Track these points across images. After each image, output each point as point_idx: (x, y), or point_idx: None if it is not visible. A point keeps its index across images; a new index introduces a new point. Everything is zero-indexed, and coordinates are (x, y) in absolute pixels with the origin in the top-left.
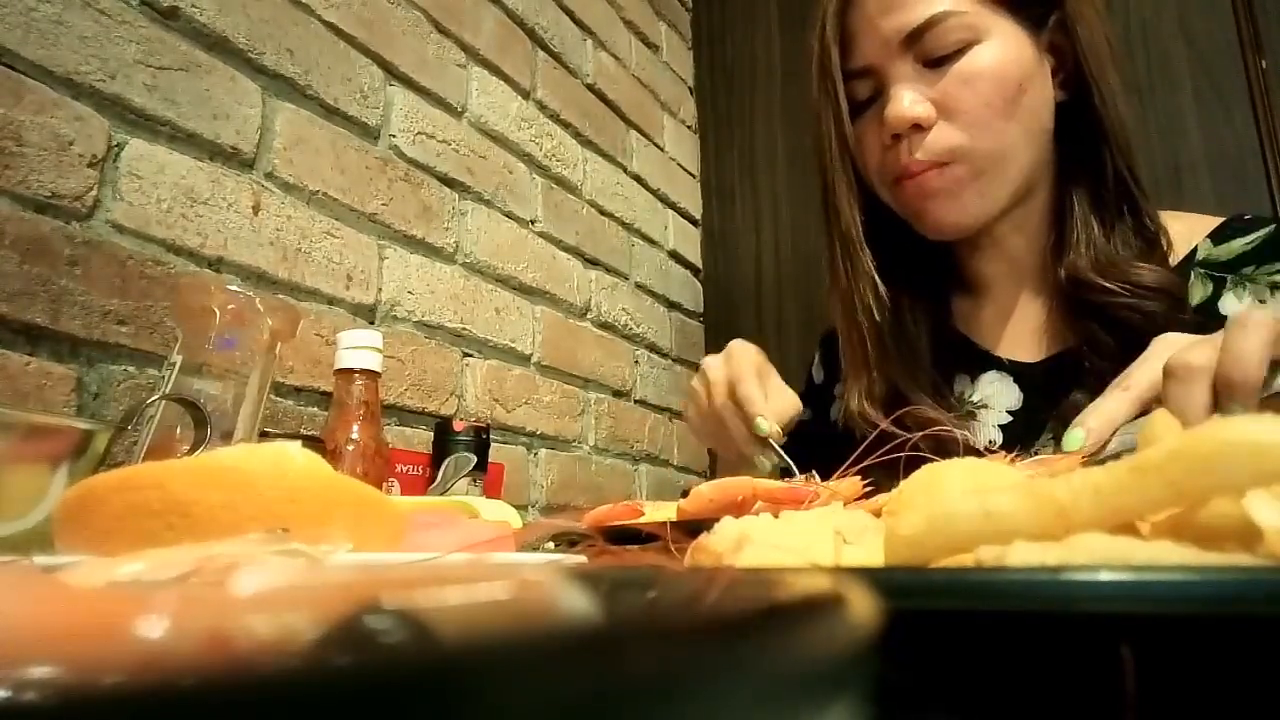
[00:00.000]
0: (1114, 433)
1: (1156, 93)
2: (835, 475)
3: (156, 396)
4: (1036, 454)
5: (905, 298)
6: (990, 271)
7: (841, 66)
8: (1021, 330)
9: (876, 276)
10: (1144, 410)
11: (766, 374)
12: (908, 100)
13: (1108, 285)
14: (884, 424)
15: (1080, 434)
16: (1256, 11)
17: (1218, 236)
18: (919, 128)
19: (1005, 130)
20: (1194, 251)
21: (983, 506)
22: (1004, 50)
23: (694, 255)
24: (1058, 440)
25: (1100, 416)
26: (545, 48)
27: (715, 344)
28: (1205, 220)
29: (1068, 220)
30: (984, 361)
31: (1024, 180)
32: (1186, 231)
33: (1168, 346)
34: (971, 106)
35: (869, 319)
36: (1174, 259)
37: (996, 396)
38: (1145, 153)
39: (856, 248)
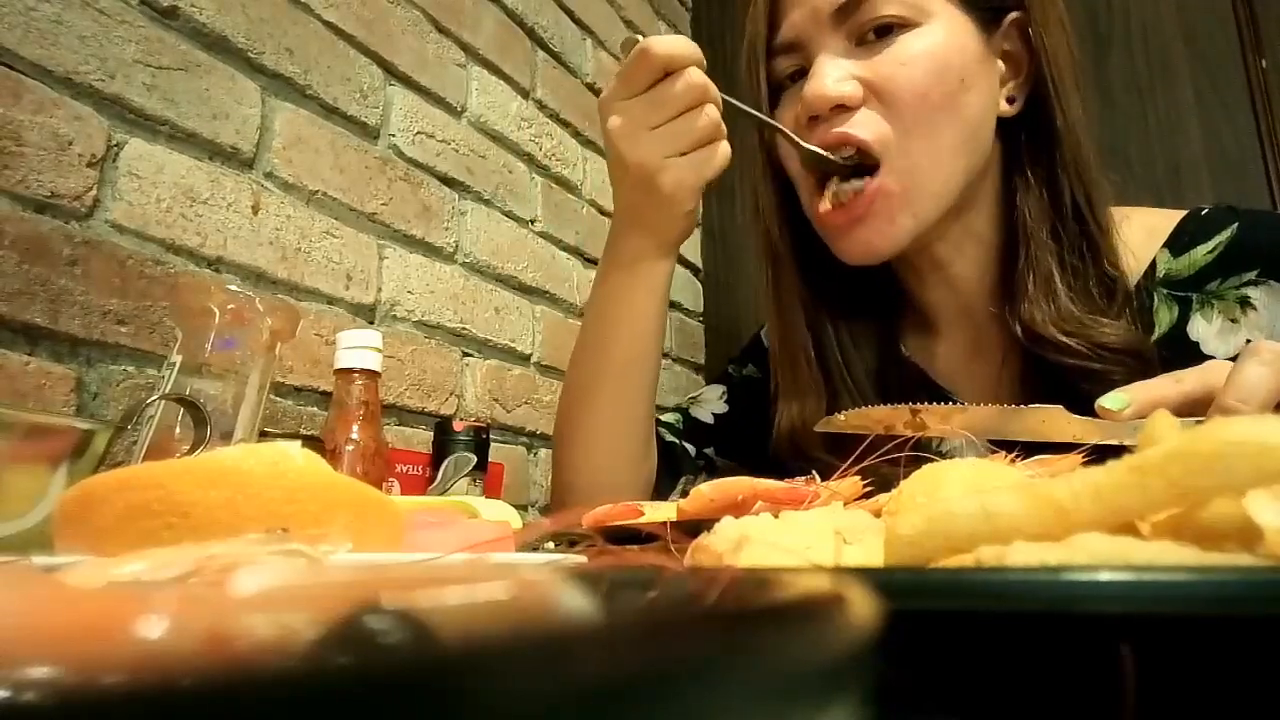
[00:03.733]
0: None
1: (1156, 92)
2: (835, 475)
3: (156, 396)
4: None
5: (844, 319)
6: (938, 302)
7: (769, 42)
8: (980, 374)
9: (806, 290)
10: (1187, 410)
11: None
12: (831, 78)
13: (1067, 343)
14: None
15: (1124, 399)
16: (1257, 11)
17: (1176, 245)
18: (843, 109)
19: (940, 125)
20: (1153, 267)
21: (983, 506)
22: (947, 37)
23: (694, 255)
24: None
25: (1146, 391)
26: (545, 47)
27: (715, 344)
28: (1159, 217)
29: (1022, 256)
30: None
31: (957, 194)
32: (1140, 234)
33: (1222, 366)
34: (904, 91)
35: (798, 336)
36: (1132, 277)
37: (966, 448)
38: (1145, 152)
39: (780, 251)
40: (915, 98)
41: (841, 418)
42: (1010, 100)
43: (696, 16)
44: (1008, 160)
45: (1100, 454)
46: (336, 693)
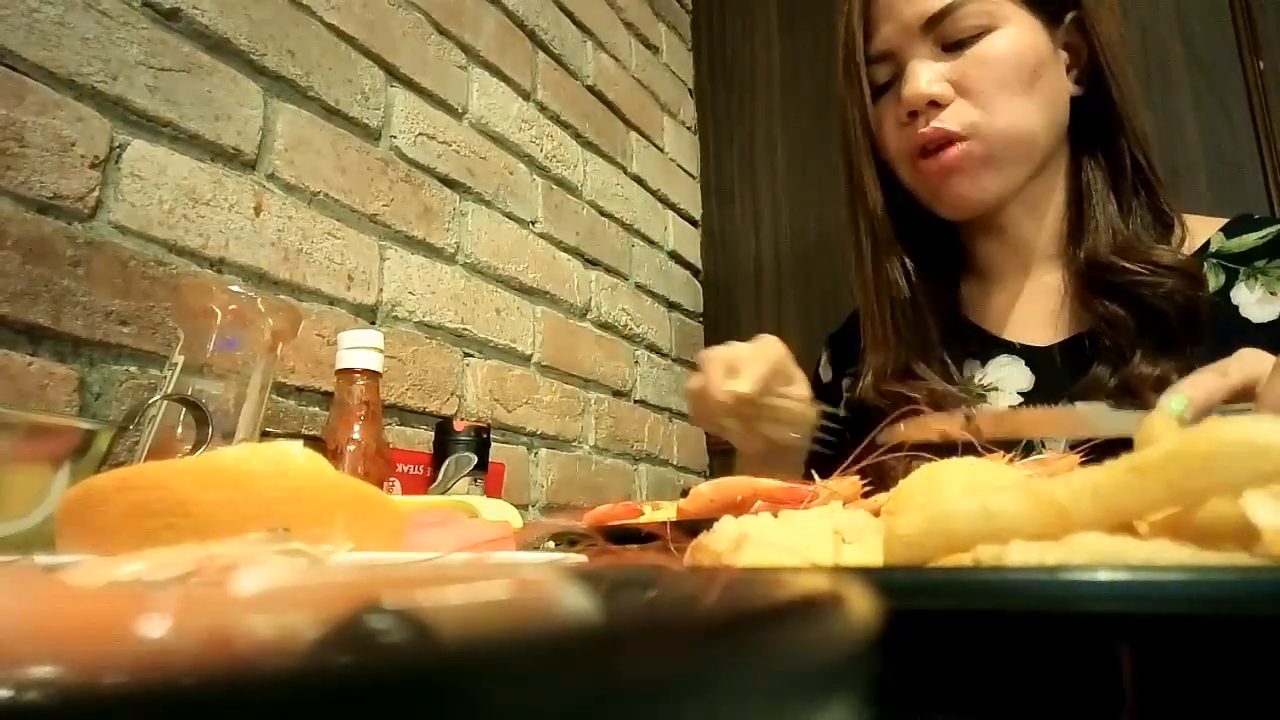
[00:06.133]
0: (1209, 412)
1: (1154, 95)
2: (835, 474)
3: (158, 396)
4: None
5: (917, 283)
6: (1000, 258)
7: (864, 52)
8: (1032, 316)
9: (903, 250)
10: (1235, 399)
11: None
12: (925, 78)
13: (1127, 265)
14: (908, 394)
15: (1183, 400)
16: (1255, 14)
17: (1230, 231)
18: (935, 105)
19: (1021, 109)
20: (1207, 244)
21: (982, 506)
22: (1020, 37)
23: (694, 255)
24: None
25: (1199, 389)
26: (545, 49)
27: (715, 344)
28: (1217, 221)
29: (1086, 206)
30: (995, 346)
31: (1039, 161)
32: (1199, 228)
33: (1256, 355)
34: (988, 85)
35: (895, 292)
36: (1188, 250)
37: (1007, 379)
38: None
39: (883, 224)
40: (997, 89)
41: (902, 428)
42: (1078, 83)
43: (696, 18)
44: (1075, 133)
45: (1098, 453)
46: (337, 692)
